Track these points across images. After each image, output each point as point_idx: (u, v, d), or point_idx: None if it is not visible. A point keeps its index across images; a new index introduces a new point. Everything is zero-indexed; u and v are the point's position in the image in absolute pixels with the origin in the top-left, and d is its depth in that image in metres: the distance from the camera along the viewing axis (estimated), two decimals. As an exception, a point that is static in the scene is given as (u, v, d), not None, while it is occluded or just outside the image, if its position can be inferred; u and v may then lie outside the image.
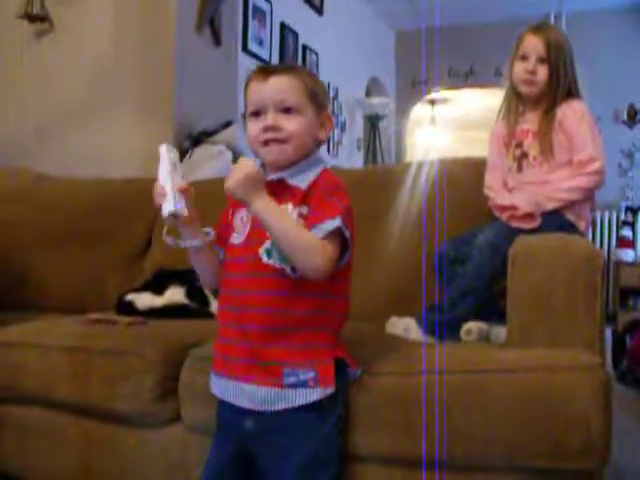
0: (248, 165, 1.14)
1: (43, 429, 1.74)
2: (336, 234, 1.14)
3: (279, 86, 1.20)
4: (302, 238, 1.13)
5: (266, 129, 1.19)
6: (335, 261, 1.15)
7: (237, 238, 1.24)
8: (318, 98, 1.23)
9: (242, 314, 1.20)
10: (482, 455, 1.20)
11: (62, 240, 2.47)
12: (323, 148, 4.80)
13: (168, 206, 1.17)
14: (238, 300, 1.21)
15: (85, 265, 2.43)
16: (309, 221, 1.16)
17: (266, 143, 1.20)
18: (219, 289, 1.30)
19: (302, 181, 1.20)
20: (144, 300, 1.94)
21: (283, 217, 1.15)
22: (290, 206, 1.19)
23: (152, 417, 1.56)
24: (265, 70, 1.23)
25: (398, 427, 1.24)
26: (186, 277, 1.94)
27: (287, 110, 1.19)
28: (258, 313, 1.18)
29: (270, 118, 1.19)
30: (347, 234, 1.15)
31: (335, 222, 1.13)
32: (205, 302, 1.98)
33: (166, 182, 1.19)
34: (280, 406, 1.16)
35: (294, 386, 1.15)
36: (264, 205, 1.13)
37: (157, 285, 2.00)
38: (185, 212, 1.18)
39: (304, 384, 1.15)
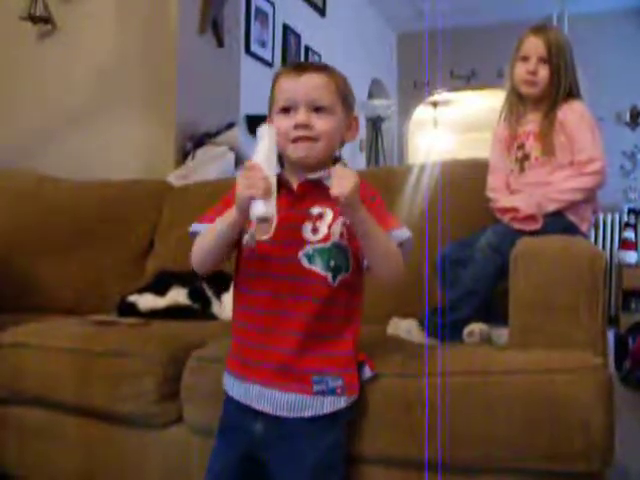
0: (353, 174, 1.08)
1: (44, 430, 1.74)
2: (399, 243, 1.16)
3: (313, 84, 1.18)
4: (391, 245, 1.15)
5: (297, 126, 1.17)
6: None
7: (260, 236, 1.17)
8: (348, 99, 1.23)
9: (274, 318, 1.16)
10: (484, 457, 1.20)
11: (65, 241, 2.47)
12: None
13: (268, 208, 1.05)
14: (270, 303, 1.17)
15: (88, 266, 2.44)
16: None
17: (295, 140, 1.18)
18: (235, 283, 1.24)
19: None
20: (146, 301, 1.94)
21: (376, 224, 1.12)
22: (329, 211, 1.17)
23: (154, 418, 1.56)
24: (299, 67, 1.22)
25: (400, 429, 1.24)
26: (188, 278, 1.95)
27: (318, 109, 1.18)
28: (293, 318, 1.15)
29: (302, 115, 1.17)
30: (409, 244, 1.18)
31: (406, 232, 1.16)
32: (207, 303, 1.98)
33: (270, 174, 1.08)
34: (308, 413, 1.14)
35: (323, 393, 1.14)
36: (365, 212, 1.10)
37: (159, 286, 2.00)
38: (275, 218, 1.08)
39: (332, 392, 1.15)
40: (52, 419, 1.73)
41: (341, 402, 1.16)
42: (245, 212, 1.08)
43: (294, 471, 1.15)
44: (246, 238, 1.18)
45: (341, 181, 1.06)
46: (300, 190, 1.20)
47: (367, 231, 1.11)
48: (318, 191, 1.18)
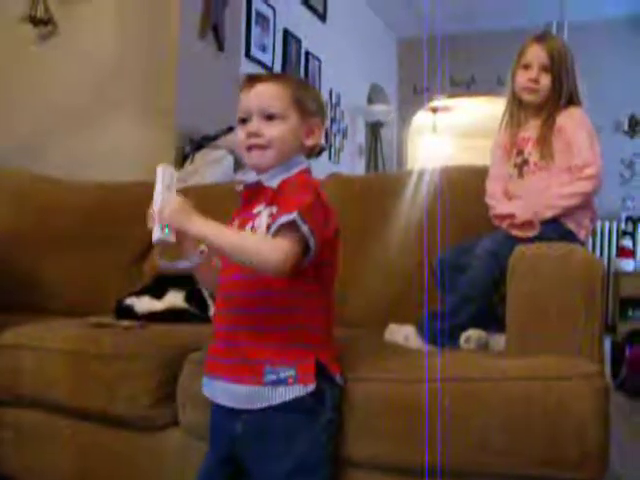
0: (171, 201, 1.17)
1: (40, 431, 1.74)
2: (292, 229, 1.12)
3: (262, 93, 1.24)
4: (247, 243, 1.16)
5: (249, 135, 1.23)
6: (294, 255, 1.13)
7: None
8: (305, 105, 1.26)
9: (226, 316, 1.23)
10: (479, 464, 1.20)
11: (62, 243, 2.47)
12: (324, 155, 4.80)
13: (156, 233, 1.18)
14: (224, 302, 1.25)
15: (85, 268, 2.43)
16: (272, 219, 1.17)
17: (249, 149, 1.24)
18: None
19: (274, 182, 1.23)
20: (143, 304, 1.94)
21: (222, 231, 1.16)
22: (262, 207, 1.22)
23: (150, 421, 1.56)
24: (251, 78, 1.28)
25: (396, 434, 1.24)
26: (186, 281, 1.94)
27: (270, 117, 1.23)
28: (238, 313, 1.21)
29: (253, 124, 1.23)
30: (304, 229, 1.12)
31: (290, 216, 1.12)
32: (204, 307, 1.98)
33: (156, 206, 1.20)
34: (261, 404, 1.17)
35: (274, 383, 1.16)
36: (199, 227, 1.15)
37: (156, 289, 2.00)
38: (172, 239, 1.19)
39: (284, 382, 1.16)
40: (48, 421, 1.72)
41: (293, 391, 1.16)
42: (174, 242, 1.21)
43: (267, 472, 1.17)
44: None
45: (158, 213, 1.17)
46: (245, 195, 1.27)
47: (211, 243, 1.16)
48: (260, 192, 1.24)
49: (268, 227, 1.17)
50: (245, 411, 1.19)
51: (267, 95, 1.24)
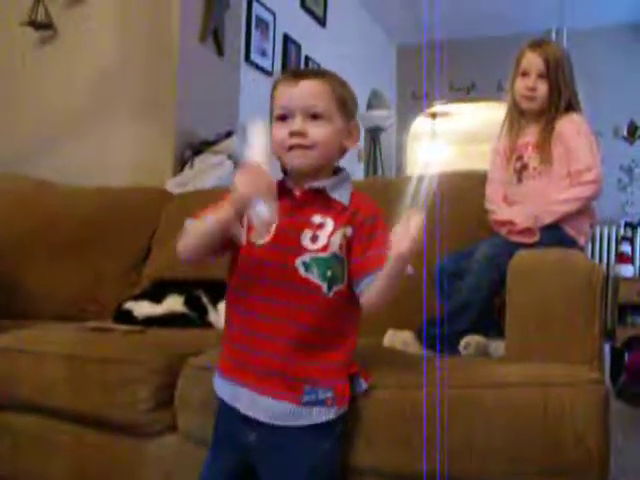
0: (412, 237, 1.06)
1: (38, 436, 1.73)
2: None
3: (309, 91, 1.17)
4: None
5: (292, 134, 1.16)
6: None
7: (258, 238, 1.16)
8: (347, 106, 1.21)
9: (268, 324, 1.15)
10: (480, 470, 1.19)
11: (62, 247, 2.47)
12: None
13: (271, 210, 1.04)
14: (264, 308, 1.15)
15: (85, 272, 2.43)
16: (373, 261, 1.13)
17: (290, 148, 1.17)
18: (229, 285, 1.22)
19: (341, 196, 1.18)
20: (142, 309, 1.94)
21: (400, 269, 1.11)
22: (330, 221, 1.16)
23: (148, 426, 1.56)
24: (295, 74, 1.20)
25: (397, 441, 1.23)
26: (185, 286, 1.95)
27: (315, 116, 1.16)
28: (287, 326, 1.14)
29: (297, 123, 1.15)
30: None
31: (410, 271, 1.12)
32: (203, 311, 1.97)
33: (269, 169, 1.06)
34: (298, 422, 1.13)
35: (312, 404, 1.13)
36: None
37: (156, 294, 2.00)
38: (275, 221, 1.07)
39: (322, 403, 1.14)
40: (46, 425, 1.72)
41: (330, 413, 1.15)
42: (242, 211, 1.08)
43: (291, 476, 1.15)
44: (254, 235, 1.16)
45: (400, 241, 1.06)
46: (302, 198, 1.19)
47: (394, 275, 1.10)
48: (320, 200, 1.18)
49: (340, 247, 1.15)
50: (268, 424, 1.14)
51: (312, 93, 1.16)
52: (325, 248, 1.15)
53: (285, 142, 1.17)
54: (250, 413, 1.15)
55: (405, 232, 1.06)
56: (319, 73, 1.21)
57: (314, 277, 1.14)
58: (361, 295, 1.17)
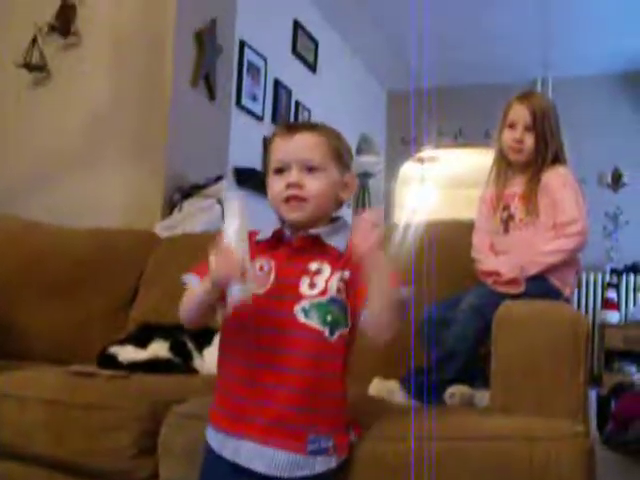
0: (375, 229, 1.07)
1: (17, 484, 1.70)
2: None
3: (304, 144, 1.19)
4: (398, 303, 1.13)
5: (289, 186, 1.17)
6: None
7: (256, 288, 1.16)
8: (343, 158, 1.22)
9: (270, 373, 1.13)
10: (464, 524, 1.18)
11: (48, 289, 2.45)
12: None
13: (245, 291, 1.06)
14: (266, 358, 1.14)
15: (70, 315, 2.41)
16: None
17: (287, 200, 1.18)
18: (224, 334, 1.22)
19: (337, 242, 1.18)
20: (127, 353, 1.92)
21: (389, 281, 1.11)
22: (327, 266, 1.17)
23: (130, 474, 1.54)
24: (291, 127, 1.23)
25: (380, 493, 1.22)
26: (170, 331, 1.93)
27: (311, 169, 1.18)
28: (291, 374, 1.12)
29: (294, 175, 1.17)
30: None
31: (406, 290, 1.12)
32: (188, 357, 1.96)
33: (242, 249, 1.08)
34: (301, 473, 1.11)
35: (315, 453, 1.12)
36: (385, 268, 1.10)
37: (141, 338, 1.98)
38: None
39: (325, 451, 1.13)
40: (26, 472, 1.69)
41: (332, 462, 1.14)
42: (220, 288, 1.09)
43: None
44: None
45: (364, 234, 1.07)
46: (299, 245, 1.20)
47: (384, 288, 1.10)
48: (316, 247, 1.19)
49: (338, 290, 1.15)
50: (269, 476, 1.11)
51: (308, 146, 1.19)
52: (324, 293, 1.15)
53: (282, 194, 1.19)
54: (252, 466, 1.12)
55: (362, 232, 1.07)
56: (314, 126, 1.24)
57: (314, 322, 1.14)
58: (365, 327, 1.16)
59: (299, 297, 1.15)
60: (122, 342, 1.99)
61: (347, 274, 1.16)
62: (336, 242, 1.19)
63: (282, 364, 1.13)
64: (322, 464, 1.12)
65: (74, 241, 2.60)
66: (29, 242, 2.59)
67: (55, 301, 2.43)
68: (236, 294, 1.06)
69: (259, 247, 1.22)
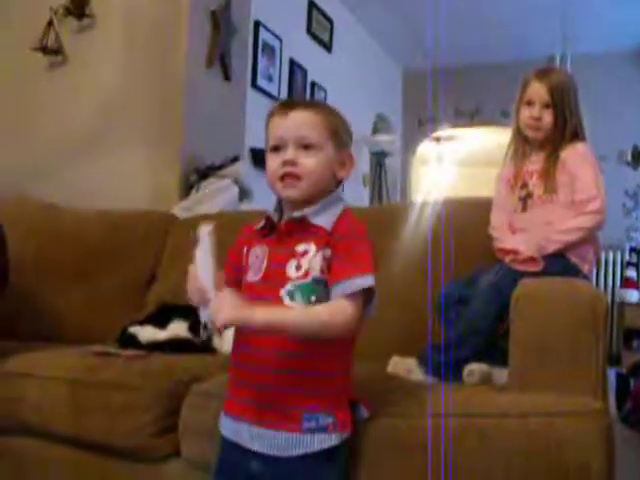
0: (224, 298, 1.09)
1: (41, 461, 1.73)
2: (362, 291, 1.12)
3: (300, 122, 1.18)
4: (316, 320, 1.11)
5: (284, 163, 1.18)
6: (359, 316, 1.12)
7: (253, 275, 1.20)
8: (339, 135, 1.21)
9: (258, 355, 1.16)
10: (482, 500, 1.19)
11: (68, 270, 2.48)
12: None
13: (208, 317, 1.10)
14: (255, 341, 1.16)
15: (91, 295, 2.44)
16: (334, 273, 1.13)
17: (282, 178, 1.18)
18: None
19: (325, 221, 1.17)
20: (147, 333, 1.94)
21: (284, 314, 1.12)
22: (313, 247, 1.16)
23: (151, 452, 1.56)
24: (286, 105, 1.22)
25: (399, 469, 1.23)
26: (189, 311, 1.94)
27: (307, 146, 1.18)
28: (276, 356, 1.14)
29: (289, 153, 1.17)
30: (375, 291, 1.13)
31: (367, 281, 1.11)
32: (208, 337, 1.97)
33: (207, 279, 1.11)
34: (298, 452, 1.12)
35: (312, 431, 1.13)
36: (263, 317, 1.09)
37: (160, 318, 2.00)
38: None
39: (323, 429, 1.13)
40: (48, 450, 1.72)
41: (332, 439, 1.14)
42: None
43: None
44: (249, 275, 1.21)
45: (216, 312, 1.08)
46: (286, 228, 1.20)
47: (279, 330, 1.11)
48: (303, 228, 1.18)
49: (321, 270, 1.14)
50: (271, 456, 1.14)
51: (304, 124, 1.18)
52: (307, 274, 1.15)
53: (278, 172, 1.19)
54: (252, 447, 1.15)
55: (220, 303, 1.09)
56: (310, 104, 1.24)
57: (299, 304, 1.15)
58: None
59: (285, 280, 1.16)
60: (142, 322, 2.00)
61: (329, 252, 1.15)
62: (322, 221, 1.18)
63: (268, 346, 1.15)
64: (320, 441, 1.13)
65: (92, 223, 2.62)
66: (48, 225, 2.61)
67: (74, 283, 2.45)
68: (204, 317, 1.12)
69: (257, 235, 1.24)
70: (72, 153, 3.23)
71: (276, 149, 1.20)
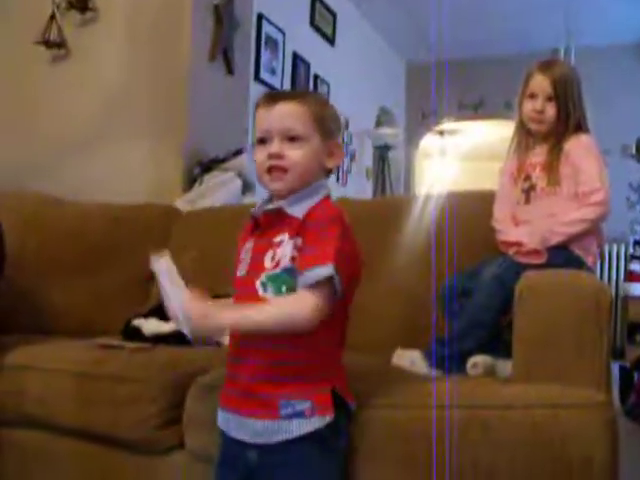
0: (190, 309, 1.12)
1: (45, 453, 1.74)
2: (325, 281, 1.10)
3: (285, 113, 1.18)
4: (279, 314, 1.12)
5: (270, 156, 1.18)
6: (325, 307, 1.11)
7: (241, 270, 1.23)
8: (326, 126, 1.21)
9: (240, 348, 1.19)
10: (486, 492, 1.19)
11: (71, 264, 2.48)
12: (332, 177, 4.79)
13: (187, 331, 1.15)
14: (239, 335, 1.20)
15: (93, 289, 2.44)
16: (298, 263, 1.13)
17: (269, 171, 1.19)
18: None
19: (299, 211, 1.17)
20: (151, 326, 1.94)
21: (247, 314, 1.13)
22: (286, 236, 1.16)
23: (155, 444, 1.56)
24: (272, 96, 1.22)
25: (402, 461, 1.23)
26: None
27: (292, 138, 1.18)
28: (255, 348, 1.16)
29: (275, 146, 1.17)
30: (336, 279, 1.10)
31: (326, 270, 1.09)
32: (212, 329, 1.97)
33: (179, 308, 1.15)
34: (277, 438, 1.13)
35: (290, 417, 1.13)
36: (230, 319, 1.13)
37: (164, 311, 1.99)
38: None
39: (300, 414, 1.13)
40: (53, 442, 1.73)
41: (313, 423, 1.14)
42: None
43: None
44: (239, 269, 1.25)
45: (185, 325, 1.13)
46: (264, 221, 1.21)
47: (246, 329, 1.15)
48: (280, 219, 1.19)
49: (293, 259, 1.14)
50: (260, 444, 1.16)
51: (289, 115, 1.18)
52: (277, 264, 1.16)
53: (264, 164, 1.19)
54: (237, 435, 1.18)
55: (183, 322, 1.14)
56: (295, 94, 1.23)
57: (271, 295, 1.15)
58: None
59: (260, 271, 1.17)
60: (146, 315, 2.00)
61: (300, 241, 1.15)
62: (297, 211, 1.18)
63: (246, 339, 1.18)
64: (299, 426, 1.13)
65: (94, 217, 2.62)
66: (52, 219, 2.61)
67: (76, 277, 2.45)
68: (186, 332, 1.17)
69: (250, 230, 1.26)
70: (75, 147, 3.23)
71: (262, 141, 1.20)
